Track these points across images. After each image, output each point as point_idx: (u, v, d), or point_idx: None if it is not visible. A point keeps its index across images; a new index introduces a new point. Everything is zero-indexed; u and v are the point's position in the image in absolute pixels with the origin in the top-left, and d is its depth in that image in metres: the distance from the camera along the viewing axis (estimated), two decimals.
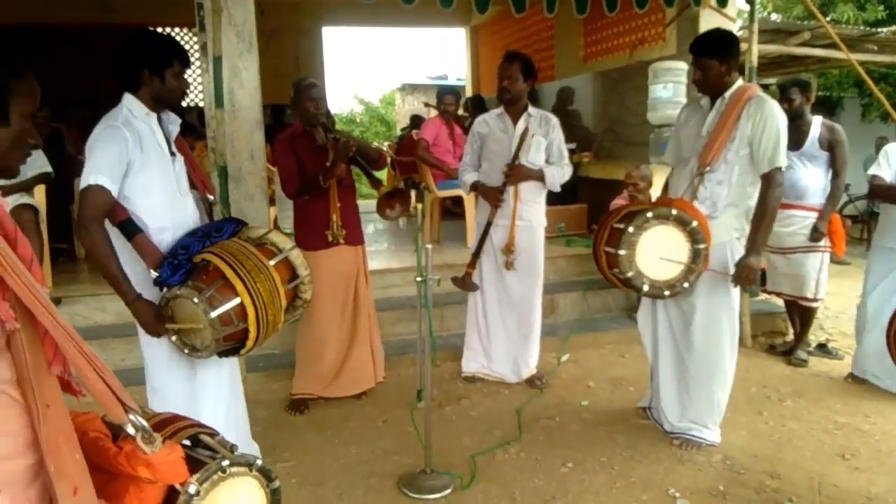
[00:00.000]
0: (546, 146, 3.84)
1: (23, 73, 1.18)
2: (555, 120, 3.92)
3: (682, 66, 5.26)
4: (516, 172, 3.74)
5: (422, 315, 2.93)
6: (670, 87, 5.28)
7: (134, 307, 2.39)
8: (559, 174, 3.85)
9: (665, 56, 5.70)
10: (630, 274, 2.89)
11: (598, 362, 4.40)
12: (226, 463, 1.27)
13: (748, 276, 2.96)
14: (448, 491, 2.84)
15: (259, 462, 1.34)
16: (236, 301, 2.34)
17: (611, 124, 6.78)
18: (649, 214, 2.88)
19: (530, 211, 3.88)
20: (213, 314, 2.31)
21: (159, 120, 2.54)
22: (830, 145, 4.17)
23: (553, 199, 6.31)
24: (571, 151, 6.66)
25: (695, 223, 2.87)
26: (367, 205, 9.30)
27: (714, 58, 2.97)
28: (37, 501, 1.14)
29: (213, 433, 1.43)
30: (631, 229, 2.86)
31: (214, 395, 2.68)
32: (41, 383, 1.10)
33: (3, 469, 1.06)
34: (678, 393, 3.26)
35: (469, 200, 5.57)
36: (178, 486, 1.22)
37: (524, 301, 3.95)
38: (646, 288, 2.92)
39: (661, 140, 5.30)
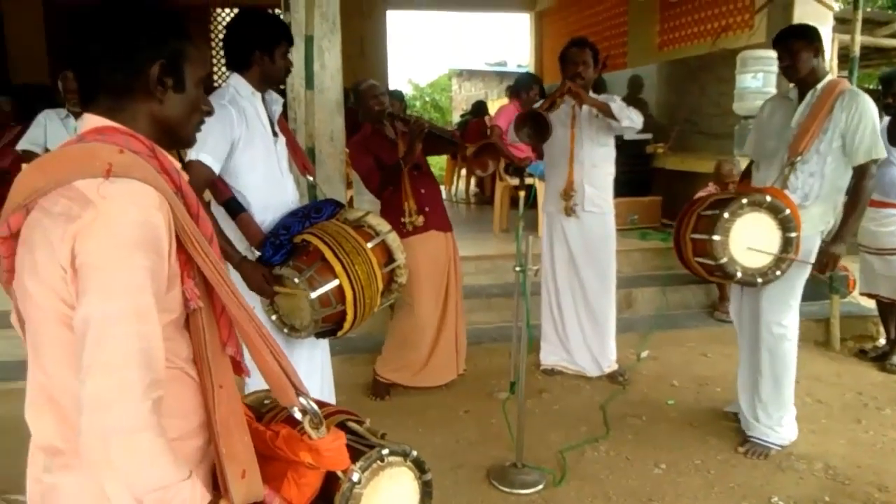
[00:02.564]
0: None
1: (193, 38, 1.13)
2: (619, 98, 3.76)
3: (774, 55, 5.03)
4: (579, 90, 3.49)
5: (519, 306, 2.85)
6: (760, 77, 5.07)
7: (241, 268, 2.39)
8: (627, 110, 3.56)
9: (752, 44, 5.46)
10: (724, 260, 2.81)
11: (680, 360, 4.26)
12: (385, 451, 1.23)
13: (829, 264, 2.92)
14: (540, 487, 2.78)
15: (414, 452, 1.30)
16: (335, 283, 2.34)
17: (688, 114, 6.56)
18: (744, 201, 2.81)
19: (602, 197, 3.77)
20: (314, 295, 2.31)
21: (263, 100, 2.53)
22: None
23: (625, 190, 6.21)
24: (645, 142, 6.52)
25: (787, 211, 2.81)
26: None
27: (802, 40, 2.89)
28: (204, 483, 1.11)
29: (360, 420, 1.39)
30: (726, 215, 2.79)
31: (306, 376, 2.67)
32: (217, 363, 1.06)
33: (184, 449, 1.03)
34: (750, 392, 3.14)
35: (541, 189, 5.46)
36: (339, 474, 1.18)
37: (597, 293, 3.85)
38: (739, 275, 2.83)
39: (746, 131, 5.10)
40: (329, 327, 2.46)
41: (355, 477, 1.17)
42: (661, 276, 5.01)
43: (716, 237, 2.76)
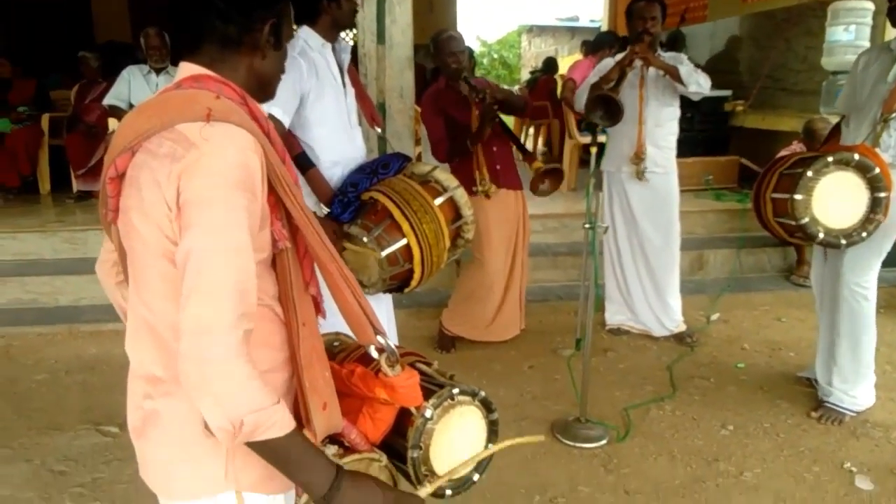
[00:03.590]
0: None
1: None
2: (685, 57, 3.64)
3: (869, 6, 4.72)
4: (646, 52, 3.41)
5: (588, 263, 2.84)
6: (852, 30, 4.77)
7: None
8: (696, 75, 3.46)
9: None
10: (805, 220, 2.69)
11: (752, 324, 4.16)
12: (456, 391, 1.27)
13: None
14: (603, 442, 2.80)
15: (482, 393, 1.33)
16: (403, 242, 2.34)
17: (771, 70, 6.25)
18: (829, 159, 2.66)
19: (665, 157, 3.67)
20: (382, 254, 2.32)
21: (333, 49, 2.53)
22: None
23: (701, 149, 6.02)
24: (724, 99, 6.27)
25: (877, 170, 2.65)
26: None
27: None
28: None
29: (428, 362, 1.44)
30: (810, 173, 2.65)
31: None
32: (301, 302, 1.12)
33: (272, 381, 1.10)
34: (827, 357, 3.04)
35: None
36: (412, 410, 1.23)
37: (658, 253, 3.78)
38: (821, 235, 2.71)
39: (834, 88, 4.84)
40: (396, 284, 2.49)
41: (428, 413, 1.22)
42: (735, 238, 4.86)
43: (797, 196, 2.65)
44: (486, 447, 1.35)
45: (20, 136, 5.80)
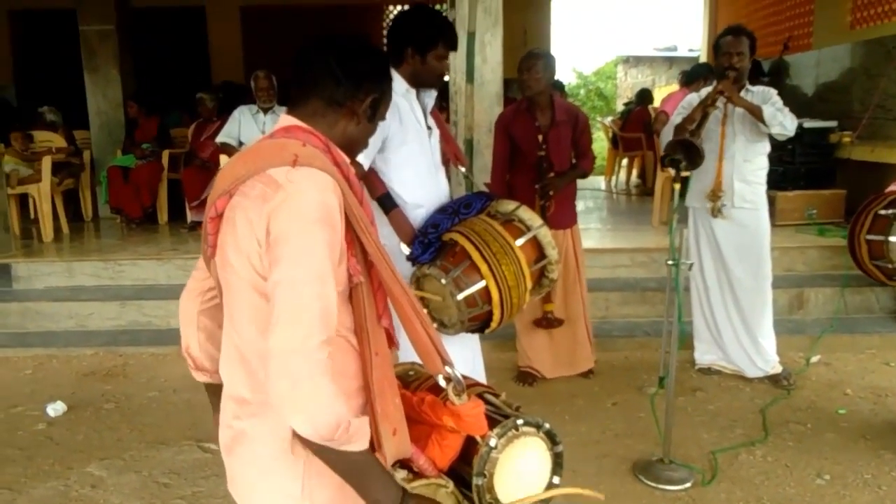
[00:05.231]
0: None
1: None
2: (773, 91, 3.53)
3: None
4: (730, 88, 3.36)
5: (671, 300, 2.80)
6: None
7: None
8: (779, 115, 3.37)
9: None
10: None
11: (857, 368, 3.92)
12: (520, 422, 1.32)
13: None
14: (688, 485, 2.73)
15: (547, 425, 1.37)
16: (481, 284, 2.33)
17: (882, 100, 5.92)
18: None
19: (754, 192, 3.56)
20: (460, 296, 2.32)
21: (417, 94, 2.58)
22: None
23: (804, 182, 5.77)
24: (829, 130, 5.99)
25: None
26: (590, 181, 9.20)
27: None
28: None
29: (496, 393, 1.49)
30: None
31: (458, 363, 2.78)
32: (374, 333, 1.21)
33: (348, 406, 1.19)
34: None
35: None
36: (478, 438, 1.29)
37: (749, 291, 3.64)
38: None
39: None
40: (477, 325, 2.47)
41: (492, 442, 1.27)
42: (839, 276, 4.60)
43: (893, 238, 2.54)
44: (550, 480, 1.39)
45: (143, 171, 6.36)
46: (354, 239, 1.18)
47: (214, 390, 1.40)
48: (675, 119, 3.60)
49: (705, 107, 3.38)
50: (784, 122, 3.36)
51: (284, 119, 1.27)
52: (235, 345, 1.21)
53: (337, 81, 1.24)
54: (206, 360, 1.39)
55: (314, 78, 1.26)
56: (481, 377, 2.91)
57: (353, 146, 1.32)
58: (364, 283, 1.20)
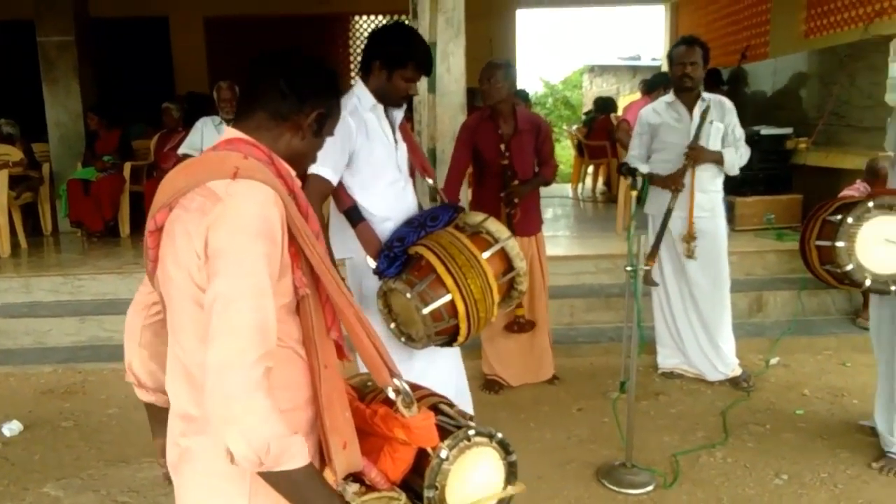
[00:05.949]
0: (723, 132, 3.62)
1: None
2: (729, 104, 3.68)
3: None
4: (698, 153, 3.51)
5: (630, 306, 2.84)
6: None
7: None
8: (737, 157, 3.61)
9: None
10: (850, 267, 2.67)
11: (814, 369, 4.02)
12: (472, 432, 1.33)
13: None
14: (650, 488, 2.76)
15: (499, 435, 1.38)
16: (447, 298, 2.30)
17: (835, 107, 6.09)
18: (871, 204, 2.66)
19: (711, 200, 3.66)
20: (425, 311, 2.29)
21: (385, 109, 2.56)
22: None
23: (762, 188, 5.90)
24: (785, 137, 6.14)
25: None
26: (558, 189, 9.28)
27: None
28: (311, 452, 1.26)
29: (450, 403, 1.49)
30: (850, 220, 2.66)
31: (434, 380, 2.72)
32: (322, 346, 1.21)
33: (295, 419, 1.19)
34: (888, 405, 2.90)
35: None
36: (429, 450, 1.29)
37: (707, 296, 3.72)
38: (868, 282, 2.68)
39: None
40: (444, 339, 2.45)
41: (443, 454, 1.28)
42: (797, 279, 4.71)
43: (839, 243, 2.62)
44: (504, 489, 1.39)
45: (104, 183, 6.25)
46: (299, 251, 1.18)
47: (155, 412, 1.39)
48: (635, 141, 3.81)
49: (678, 183, 3.54)
50: (742, 160, 3.61)
51: (229, 132, 1.26)
52: (180, 359, 1.20)
53: (282, 95, 1.24)
54: (147, 377, 1.37)
55: (260, 91, 1.26)
56: (464, 389, 2.84)
57: (299, 160, 1.32)
58: (311, 296, 1.19)
